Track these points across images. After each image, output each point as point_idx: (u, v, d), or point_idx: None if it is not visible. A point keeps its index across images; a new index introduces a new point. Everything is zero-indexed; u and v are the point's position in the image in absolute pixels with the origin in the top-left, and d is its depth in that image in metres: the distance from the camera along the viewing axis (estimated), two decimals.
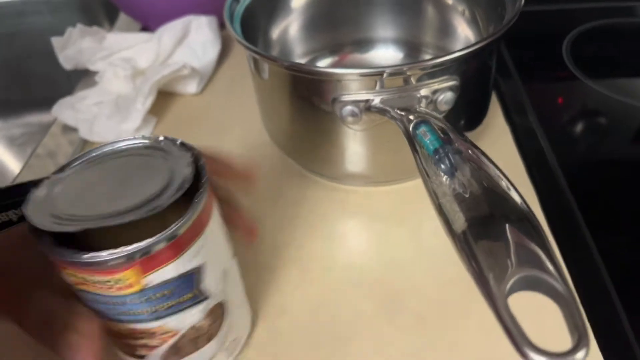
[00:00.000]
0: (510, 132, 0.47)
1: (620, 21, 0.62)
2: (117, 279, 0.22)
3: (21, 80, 0.80)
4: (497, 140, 0.46)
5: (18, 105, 0.80)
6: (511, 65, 0.56)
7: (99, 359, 0.24)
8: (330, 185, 0.43)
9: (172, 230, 0.22)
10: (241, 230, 0.31)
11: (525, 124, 0.48)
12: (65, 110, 0.52)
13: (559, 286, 0.19)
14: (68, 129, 0.53)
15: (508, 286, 0.19)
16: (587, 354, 0.17)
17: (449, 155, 0.27)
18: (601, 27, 0.61)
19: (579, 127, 0.49)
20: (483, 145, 0.28)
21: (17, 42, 0.81)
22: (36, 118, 0.81)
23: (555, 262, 0.19)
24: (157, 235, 0.22)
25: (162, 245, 0.22)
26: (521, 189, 0.24)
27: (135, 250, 0.21)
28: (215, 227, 0.26)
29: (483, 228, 0.22)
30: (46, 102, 0.54)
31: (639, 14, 0.64)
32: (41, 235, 0.22)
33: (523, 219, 0.22)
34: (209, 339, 0.28)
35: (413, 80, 0.33)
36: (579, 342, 0.17)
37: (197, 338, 0.27)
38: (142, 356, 0.27)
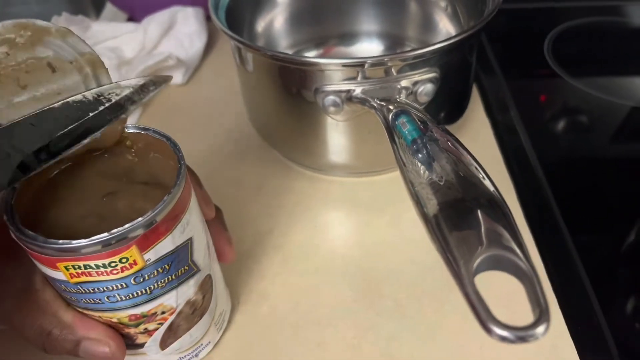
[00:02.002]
0: (491, 127, 0.48)
1: (601, 20, 0.63)
2: (121, 258, 0.22)
3: None
4: (477, 135, 0.47)
5: None
6: (494, 61, 0.56)
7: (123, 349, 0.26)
8: (313, 176, 0.44)
9: (168, 199, 0.23)
10: (220, 248, 0.31)
11: (506, 120, 0.49)
12: None
13: (522, 265, 0.19)
14: None
15: (475, 265, 0.20)
16: (547, 329, 0.18)
17: (427, 145, 0.28)
18: (583, 25, 0.62)
19: (559, 125, 0.50)
20: (463, 139, 0.28)
21: None
22: None
23: (520, 242, 0.20)
24: (158, 205, 0.22)
25: (162, 215, 0.23)
26: (500, 184, 0.25)
27: (138, 224, 0.22)
28: (194, 202, 0.27)
29: (454, 212, 0.22)
30: None
31: (620, 12, 0.65)
32: (31, 235, 0.22)
33: (493, 205, 0.23)
34: (202, 314, 0.29)
35: (394, 71, 0.34)
36: (540, 317, 0.18)
37: (192, 313, 0.28)
38: (141, 344, 0.27)
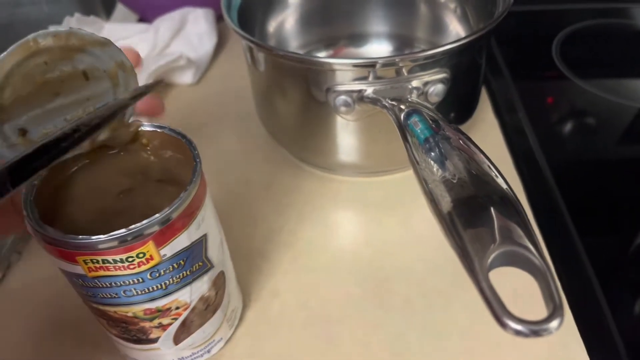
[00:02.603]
0: (500, 128, 0.48)
1: (609, 22, 0.64)
2: (138, 253, 0.23)
3: None
4: (486, 136, 0.47)
5: None
6: (502, 63, 0.57)
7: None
8: (323, 176, 0.44)
9: (184, 196, 0.23)
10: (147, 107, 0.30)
11: (515, 121, 0.49)
12: None
13: (536, 260, 0.20)
14: None
15: (489, 261, 0.20)
16: (561, 323, 0.18)
17: (439, 144, 0.28)
18: (590, 27, 0.62)
19: (568, 126, 0.50)
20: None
21: (13, 33, 0.81)
22: None
23: (533, 239, 0.20)
24: (174, 202, 0.23)
25: (178, 212, 0.23)
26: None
27: (155, 220, 0.22)
28: (209, 199, 0.27)
29: (468, 209, 0.23)
30: None
31: (627, 15, 0.65)
32: (51, 230, 0.22)
33: (506, 202, 0.23)
34: (215, 310, 0.29)
35: (405, 71, 0.34)
36: (554, 312, 0.18)
37: (205, 309, 0.28)
38: (155, 339, 0.28)
